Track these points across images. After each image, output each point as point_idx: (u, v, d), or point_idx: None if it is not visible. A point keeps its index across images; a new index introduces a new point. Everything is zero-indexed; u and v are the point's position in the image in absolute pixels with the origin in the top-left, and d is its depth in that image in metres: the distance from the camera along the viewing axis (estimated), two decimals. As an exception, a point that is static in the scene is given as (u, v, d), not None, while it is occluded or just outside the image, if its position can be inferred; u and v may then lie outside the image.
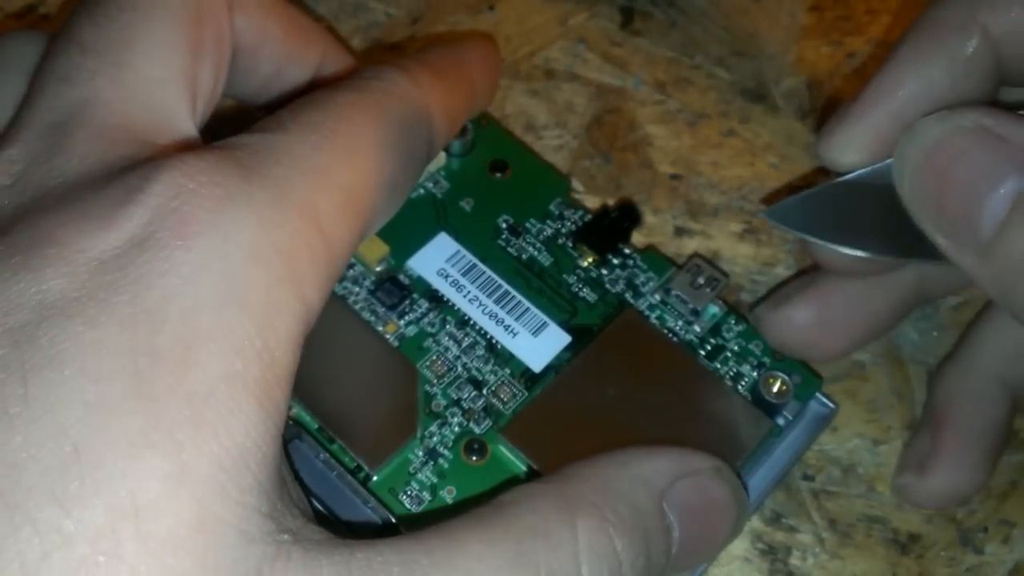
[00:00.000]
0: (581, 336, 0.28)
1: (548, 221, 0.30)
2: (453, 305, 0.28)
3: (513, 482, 0.25)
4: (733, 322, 0.28)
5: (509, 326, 0.27)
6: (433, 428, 0.26)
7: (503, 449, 0.26)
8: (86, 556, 0.16)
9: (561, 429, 0.26)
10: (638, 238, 0.31)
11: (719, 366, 0.27)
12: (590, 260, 0.29)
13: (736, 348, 0.28)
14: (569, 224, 0.30)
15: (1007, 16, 0.23)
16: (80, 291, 0.17)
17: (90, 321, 0.17)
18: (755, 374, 0.27)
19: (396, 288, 0.28)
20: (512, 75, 0.35)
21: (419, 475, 0.25)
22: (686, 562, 0.22)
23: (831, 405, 0.28)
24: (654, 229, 0.32)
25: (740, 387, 0.27)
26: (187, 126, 0.21)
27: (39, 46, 0.22)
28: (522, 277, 0.28)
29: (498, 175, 0.30)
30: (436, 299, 0.28)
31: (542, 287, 0.28)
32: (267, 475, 0.18)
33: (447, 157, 0.30)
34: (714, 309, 0.28)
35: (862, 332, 0.28)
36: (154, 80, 0.21)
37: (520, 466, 0.25)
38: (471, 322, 0.27)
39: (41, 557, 0.16)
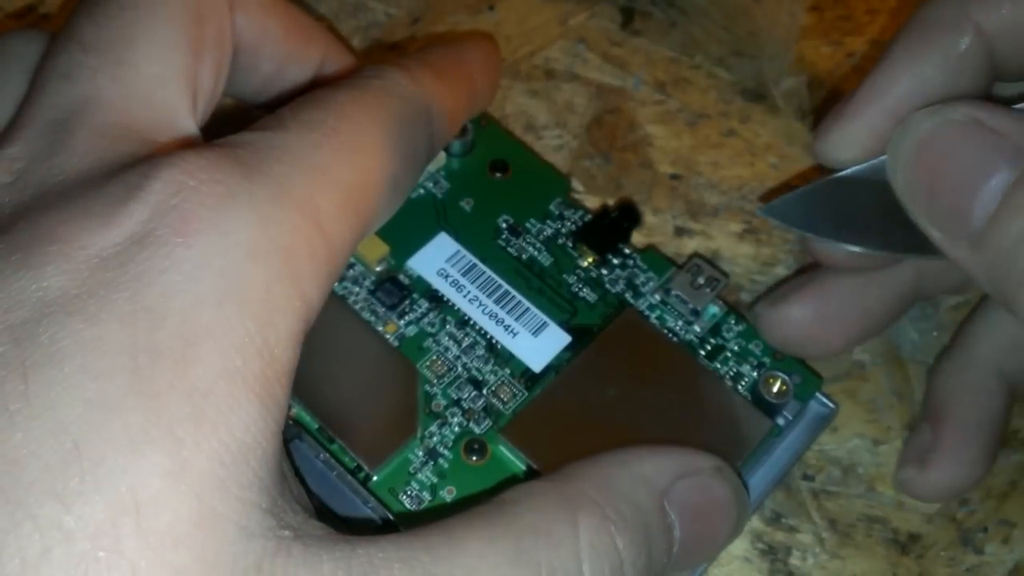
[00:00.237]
0: (581, 336, 0.28)
1: (548, 221, 0.30)
2: (453, 305, 0.28)
3: (513, 482, 0.25)
4: (733, 322, 0.28)
5: (509, 326, 0.27)
6: (433, 428, 0.26)
7: (503, 449, 0.26)
8: (86, 552, 0.16)
9: (561, 429, 0.26)
10: (638, 238, 0.31)
11: (719, 366, 0.27)
12: (590, 260, 0.29)
13: (736, 348, 0.28)
14: (569, 224, 0.30)
15: (999, 12, 0.23)
16: (81, 288, 0.17)
17: (90, 318, 0.17)
18: (755, 374, 0.27)
19: (396, 288, 0.28)
20: (512, 75, 0.35)
21: (419, 475, 0.25)
22: (687, 561, 0.22)
23: (831, 405, 0.28)
24: (654, 229, 0.32)
25: (740, 387, 0.27)
26: (188, 124, 0.21)
27: (40, 45, 0.22)
28: (522, 277, 0.28)
29: (498, 175, 0.30)
30: (436, 299, 0.28)
31: (542, 287, 0.28)
32: (267, 471, 0.18)
33: (447, 157, 0.30)
34: (714, 309, 0.28)
35: (860, 329, 0.28)
36: (155, 78, 0.21)
37: (520, 466, 0.25)
38: (471, 322, 0.27)
39: (42, 553, 0.16)
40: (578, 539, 0.20)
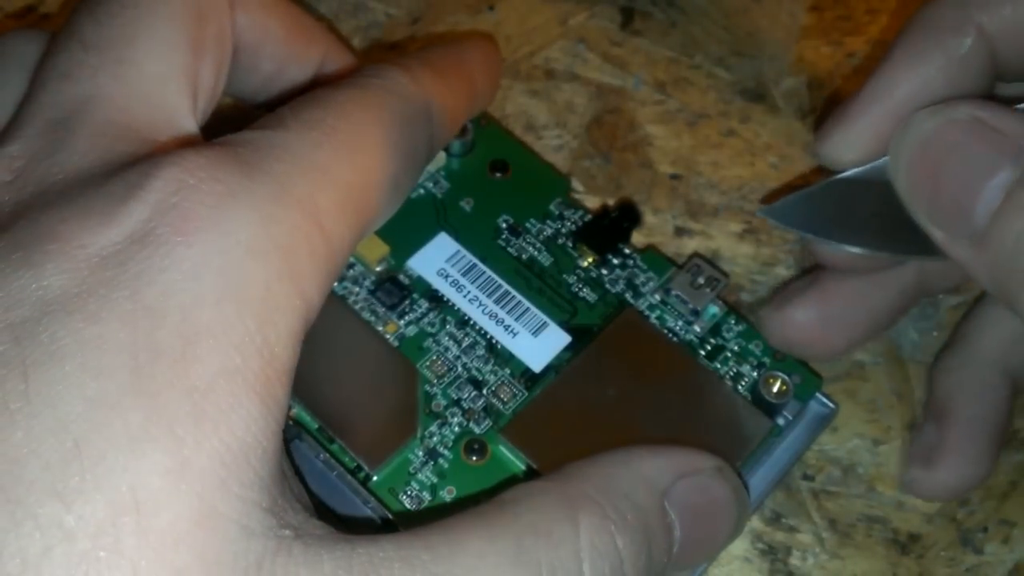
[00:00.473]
0: (581, 336, 0.28)
1: (548, 221, 0.30)
2: (453, 305, 0.28)
3: (513, 482, 0.25)
4: (733, 322, 0.28)
5: (509, 326, 0.27)
6: (433, 428, 0.26)
7: (503, 449, 0.26)
8: (87, 551, 0.16)
9: (561, 429, 0.26)
10: (638, 238, 0.31)
11: (719, 366, 0.27)
12: (590, 260, 0.29)
13: (736, 348, 0.28)
14: (569, 224, 0.30)
15: (1001, 14, 0.23)
16: (81, 287, 0.17)
17: (91, 317, 0.17)
18: (755, 374, 0.27)
19: (396, 288, 0.28)
20: (512, 75, 0.35)
21: (419, 475, 0.25)
22: (687, 561, 0.22)
23: (831, 405, 0.28)
24: (654, 229, 0.32)
25: (740, 387, 0.27)
26: (188, 123, 0.21)
27: (40, 45, 0.22)
28: (522, 277, 0.28)
29: (498, 175, 0.30)
30: (436, 299, 0.28)
31: (542, 287, 0.28)
32: (268, 470, 0.18)
33: (447, 157, 0.30)
34: (714, 309, 0.28)
35: (864, 329, 0.28)
36: (155, 77, 0.21)
37: (520, 466, 0.25)
38: (471, 322, 0.27)
39: (42, 552, 0.16)
40: (578, 538, 0.20)
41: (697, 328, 0.28)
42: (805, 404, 0.27)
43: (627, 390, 0.26)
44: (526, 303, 0.28)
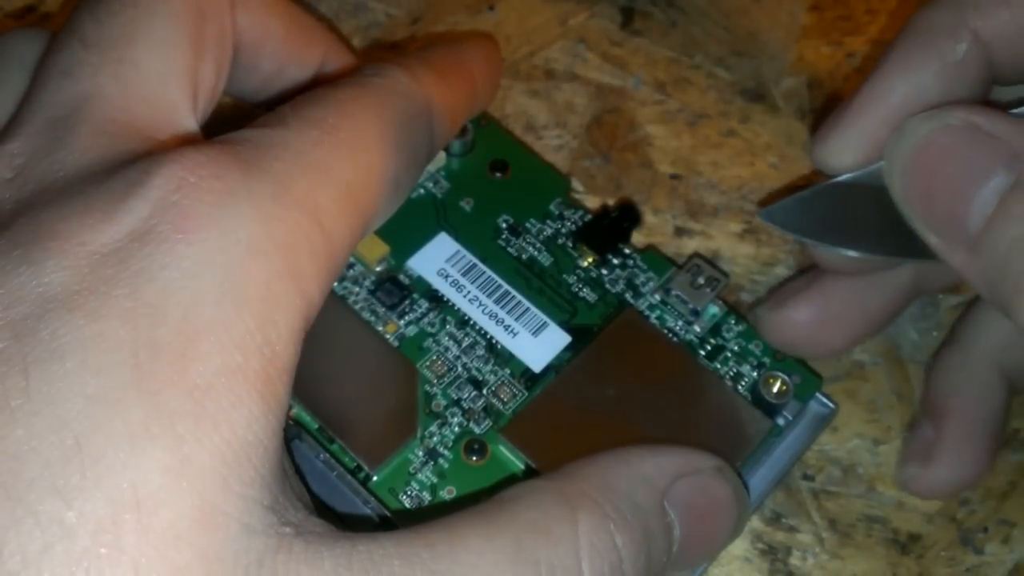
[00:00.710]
0: (581, 336, 0.28)
1: (548, 221, 0.30)
2: (453, 305, 0.28)
3: (513, 482, 0.25)
4: (733, 322, 0.28)
5: (509, 326, 0.27)
6: (433, 428, 0.26)
7: (503, 449, 0.26)
8: (88, 548, 0.16)
9: (561, 429, 0.26)
10: (638, 238, 0.31)
11: (719, 366, 0.27)
12: (590, 260, 0.29)
13: (736, 348, 0.28)
14: (569, 224, 0.30)
15: (996, 18, 0.23)
16: (81, 284, 0.17)
17: (91, 314, 0.17)
18: (755, 374, 0.27)
19: (396, 288, 0.28)
20: (512, 75, 0.35)
21: (419, 475, 0.25)
22: (687, 561, 0.22)
23: (831, 405, 0.28)
24: (654, 229, 0.32)
25: (740, 387, 0.27)
26: (188, 122, 0.21)
27: (41, 44, 0.22)
28: (522, 277, 0.28)
29: (498, 175, 0.30)
30: (436, 299, 0.28)
31: (542, 287, 0.28)
32: (268, 468, 0.18)
33: (447, 157, 0.30)
34: (714, 309, 0.28)
35: (861, 329, 0.28)
36: (156, 76, 0.21)
37: (519, 466, 0.25)
38: (471, 322, 0.27)
39: (43, 549, 0.16)
40: (577, 537, 0.20)
41: (697, 328, 0.28)
42: (805, 404, 0.27)
43: (627, 390, 0.26)
44: (526, 303, 0.28)
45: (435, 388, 0.26)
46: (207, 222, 0.18)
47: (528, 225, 0.29)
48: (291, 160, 0.20)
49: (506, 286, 0.28)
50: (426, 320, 0.27)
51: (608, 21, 0.36)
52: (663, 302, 0.28)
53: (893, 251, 0.24)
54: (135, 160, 0.19)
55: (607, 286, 0.29)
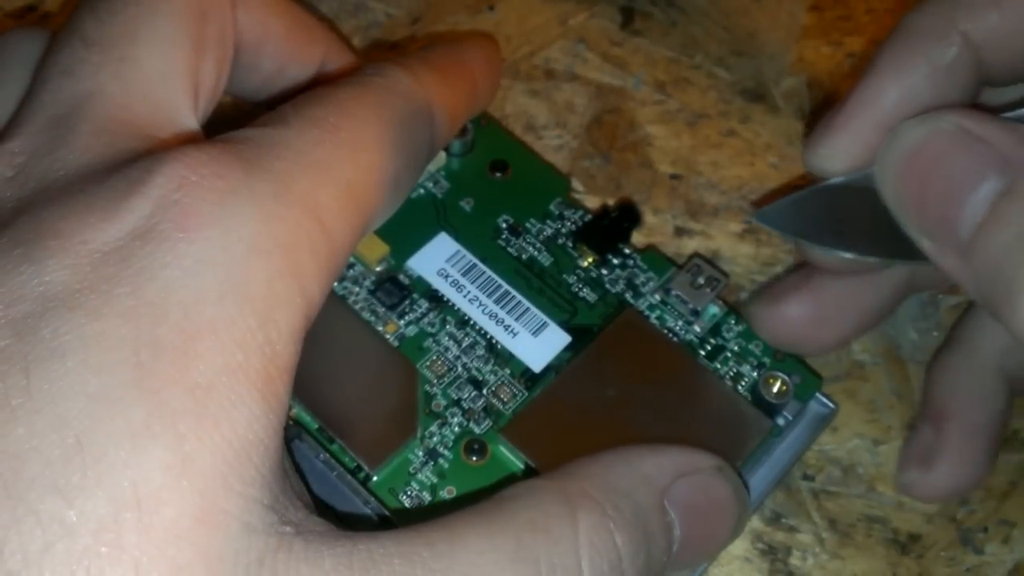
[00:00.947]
0: (581, 336, 0.28)
1: (548, 221, 0.30)
2: (453, 305, 0.28)
3: (513, 481, 0.25)
4: (733, 322, 0.28)
5: (509, 326, 0.27)
6: (433, 428, 0.26)
7: (503, 449, 0.26)
8: (88, 547, 0.16)
9: (561, 429, 0.26)
10: (638, 238, 0.31)
11: (719, 366, 0.27)
12: (590, 260, 0.29)
13: (736, 348, 0.28)
14: (569, 224, 0.30)
15: (985, 21, 0.23)
16: (82, 283, 0.17)
17: (92, 313, 0.17)
18: (755, 374, 0.27)
19: (396, 288, 0.28)
20: (512, 75, 0.35)
21: (419, 475, 0.25)
22: (687, 560, 0.22)
23: (831, 405, 0.28)
24: (654, 229, 0.32)
25: (740, 387, 0.27)
26: (189, 121, 0.21)
27: (41, 43, 0.22)
28: (522, 277, 0.28)
29: (498, 175, 0.30)
30: (436, 299, 0.28)
31: (542, 287, 0.28)
32: (269, 467, 0.18)
33: (447, 157, 0.30)
34: (714, 309, 0.28)
35: (854, 326, 0.28)
36: (157, 74, 0.21)
37: (519, 465, 0.25)
38: (471, 322, 0.27)
39: (44, 548, 0.16)
40: (577, 536, 0.20)
41: (697, 328, 0.28)
42: (805, 404, 0.27)
43: (627, 390, 0.26)
44: (526, 303, 0.28)
45: (435, 388, 0.26)
46: (208, 221, 0.18)
47: (528, 225, 0.29)
48: (292, 159, 0.20)
49: (506, 286, 0.28)
50: (426, 320, 0.27)
51: (608, 21, 0.36)
52: (663, 302, 0.28)
53: (887, 253, 0.24)
54: (136, 159, 0.19)
55: (607, 286, 0.29)
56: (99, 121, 0.20)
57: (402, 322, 0.27)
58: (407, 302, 0.28)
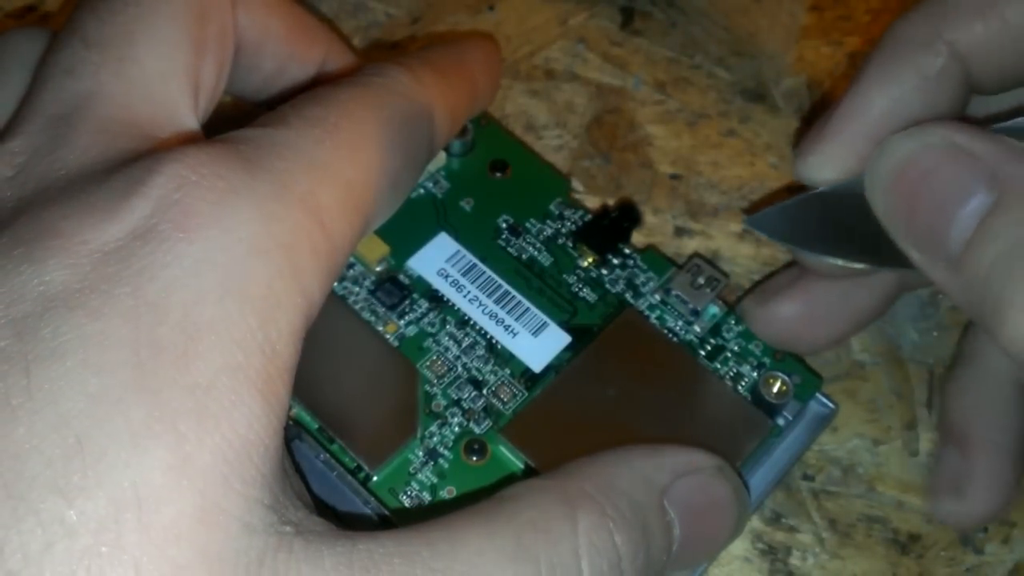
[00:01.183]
0: (581, 336, 0.28)
1: (548, 221, 0.30)
2: (453, 305, 0.28)
3: (513, 481, 0.25)
4: (733, 322, 0.28)
5: (509, 326, 0.27)
6: (433, 428, 0.26)
7: (503, 449, 0.26)
8: (89, 547, 0.16)
9: (561, 429, 0.26)
10: (638, 238, 0.31)
11: (719, 366, 0.27)
12: (590, 260, 0.29)
13: (736, 348, 0.28)
14: (569, 224, 0.30)
15: (972, 30, 0.23)
16: (83, 283, 0.17)
17: (92, 313, 0.17)
18: (755, 374, 0.27)
19: (396, 288, 0.28)
20: (512, 75, 0.35)
21: (419, 475, 0.25)
22: (687, 560, 0.22)
23: (831, 405, 0.28)
24: (654, 229, 0.32)
25: (740, 387, 0.27)
26: (189, 121, 0.21)
27: (42, 43, 0.22)
28: (522, 277, 0.28)
29: (498, 175, 0.30)
30: (436, 299, 0.28)
31: (542, 287, 0.28)
32: (269, 467, 0.18)
33: (447, 157, 0.30)
34: (714, 309, 0.28)
35: (846, 326, 0.28)
36: (157, 74, 0.21)
37: (519, 466, 0.25)
38: (471, 322, 0.27)
39: (44, 548, 0.16)
40: (577, 536, 0.20)
41: (697, 328, 0.28)
42: (805, 404, 0.27)
43: (627, 390, 0.26)
44: (526, 303, 0.28)
45: (435, 388, 0.26)
46: (209, 221, 0.18)
47: (528, 225, 0.29)
48: (292, 159, 0.20)
49: (506, 286, 0.28)
50: (426, 320, 0.27)
51: (608, 21, 0.36)
52: (663, 302, 0.28)
53: (877, 260, 0.24)
54: (136, 158, 0.19)
55: (607, 286, 0.29)
56: (99, 121, 0.20)
57: (402, 322, 0.27)
58: (407, 302, 0.28)
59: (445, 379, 0.27)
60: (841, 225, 0.24)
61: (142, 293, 0.17)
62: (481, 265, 0.28)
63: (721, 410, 0.26)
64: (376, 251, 0.28)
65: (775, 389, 0.27)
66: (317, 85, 0.23)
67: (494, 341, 0.27)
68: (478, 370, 0.27)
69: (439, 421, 0.26)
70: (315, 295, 0.20)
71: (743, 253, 0.32)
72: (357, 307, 0.27)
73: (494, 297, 0.28)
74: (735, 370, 0.27)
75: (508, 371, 0.27)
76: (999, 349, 0.20)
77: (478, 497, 0.24)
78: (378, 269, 0.28)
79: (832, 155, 0.24)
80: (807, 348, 0.28)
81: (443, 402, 0.26)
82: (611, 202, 0.32)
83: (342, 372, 0.26)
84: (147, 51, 0.21)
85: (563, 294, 0.28)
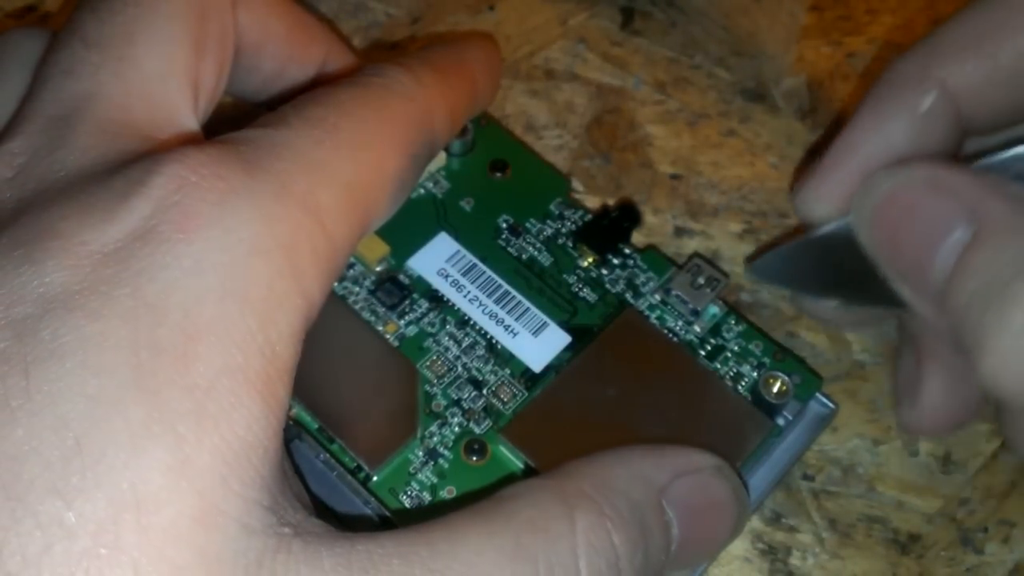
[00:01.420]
0: (581, 336, 0.28)
1: (548, 221, 0.30)
2: (453, 305, 0.28)
3: (512, 481, 0.25)
4: (733, 322, 0.28)
5: (509, 326, 0.27)
6: (433, 428, 0.26)
7: (503, 449, 0.26)
8: (88, 548, 0.16)
9: (561, 429, 0.26)
10: (638, 238, 0.31)
11: (719, 366, 0.27)
12: (590, 260, 0.29)
13: (736, 348, 0.28)
14: (569, 224, 0.30)
15: (963, 69, 0.23)
16: (82, 284, 0.17)
17: (92, 314, 0.17)
18: (755, 374, 0.27)
19: (396, 288, 0.28)
20: (512, 75, 0.35)
21: (419, 475, 0.25)
22: (686, 560, 0.22)
23: (831, 405, 0.28)
24: (654, 229, 0.32)
25: (740, 387, 0.27)
26: (189, 121, 0.21)
27: (41, 43, 0.22)
28: (522, 277, 0.28)
29: (498, 175, 0.30)
30: (436, 299, 0.28)
31: (542, 287, 0.28)
32: (268, 469, 0.18)
33: (447, 157, 0.30)
34: (714, 309, 0.28)
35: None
36: (157, 75, 0.21)
37: (519, 466, 0.25)
38: (471, 322, 0.27)
39: (43, 549, 0.16)
40: (575, 535, 0.20)
41: (697, 328, 0.28)
42: (805, 404, 0.27)
43: (627, 390, 0.26)
44: (526, 303, 0.28)
45: (435, 388, 0.26)
46: (208, 222, 0.18)
47: (528, 225, 0.29)
48: (292, 159, 0.20)
49: (506, 286, 0.28)
50: (426, 320, 0.27)
51: (608, 21, 0.36)
52: (663, 302, 0.28)
53: (878, 302, 0.24)
54: (136, 159, 0.19)
55: (607, 286, 0.29)
56: (99, 121, 0.20)
57: (402, 322, 0.27)
58: (407, 302, 0.28)
59: (445, 379, 0.27)
60: (841, 268, 0.25)
61: (141, 294, 0.17)
62: (481, 265, 0.28)
63: (721, 410, 0.26)
64: (376, 251, 0.28)
65: (775, 389, 0.27)
66: (317, 86, 0.23)
67: (494, 341, 0.27)
68: (478, 370, 0.27)
69: (439, 421, 0.26)
70: (315, 296, 0.20)
71: (743, 253, 0.32)
72: (357, 307, 0.27)
73: (494, 297, 0.28)
74: (735, 370, 0.27)
75: (508, 371, 0.27)
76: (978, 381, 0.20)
77: (478, 497, 0.24)
78: (378, 269, 0.28)
79: (826, 191, 0.24)
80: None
81: (443, 402, 0.26)
82: (611, 202, 0.32)
83: (342, 372, 0.26)
84: (147, 51, 0.21)
85: (563, 294, 0.28)
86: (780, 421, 0.27)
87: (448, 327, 0.27)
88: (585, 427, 0.26)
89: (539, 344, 0.27)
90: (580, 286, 0.28)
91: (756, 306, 0.31)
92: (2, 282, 0.17)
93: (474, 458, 0.25)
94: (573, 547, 0.20)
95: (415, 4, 0.36)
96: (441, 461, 0.25)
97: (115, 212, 0.18)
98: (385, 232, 0.27)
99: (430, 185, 0.30)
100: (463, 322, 0.27)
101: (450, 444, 0.26)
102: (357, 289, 0.28)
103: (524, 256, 0.29)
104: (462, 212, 0.29)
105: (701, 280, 0.28)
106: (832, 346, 0.30)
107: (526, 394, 0.27)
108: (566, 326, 0.28)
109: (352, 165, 0.21)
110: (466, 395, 0.26)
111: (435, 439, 0.26)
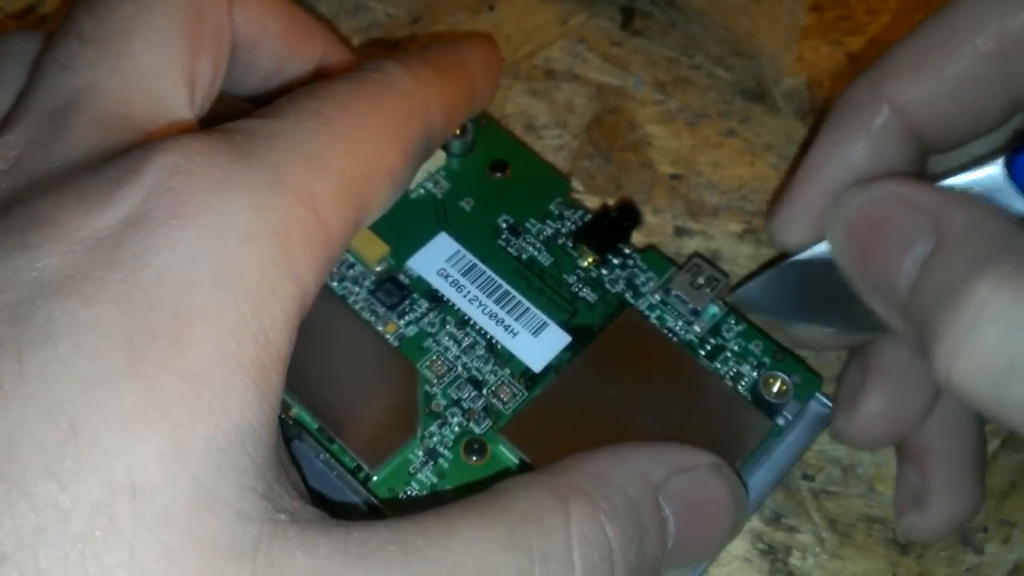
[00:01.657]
0: (581, 336, 0.28)
1: (548, 221, 0.30)
2: (453, 305, 0.28)
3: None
4: (733, 322, 0.28)
5: (509, 326, 0.27)
6: (433, 428, 0.26)
7: (503, 449, 0.26)
8: (82, 531, 0.16)
9: (561, 429, 0.26)
10: (638, 238, 0.31)
11: (719, 366, 0.27)
12: (590, 260, 0.29)
13: (736, 348, 0.28)
14: (569, 224, 0.30)
15: (910, 87, 0.24)
16: (76, 269, 0.17)
17: (86, 298, 0.17)
18: (755, 374, 0.27)
19: (396, 288, 0.28)
20: (512, 75, 0.35)
21: (419, 475, 0.25)
22: (684, 558, 0.22)
23: (831, 405, 0.28)
24: (654, 229, 0.32)
25: (740, 387, 0.27)
26: (185, 115, 0.21)
27: (39, 44, 0.22)
28: (522, 277, 0.28)
29: (498, 175, 0.30)
30: (436, 299, 0.28)
31: (542, 287, 0.28)
32: (263, 457, 0.18)
33: (447, 157, 0.30)
34: (714, 309, 0.28)
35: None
36: (153, 70, 0.21)
37: (518, 465, 0.25)
38: (471, 322, 0.27)
39: (37, 531, 0.16)
40: (569, 527, 0.20)
41: (697, 328, 0.28)
42: (805, 404, 0.27)
43: (627, 390, 0.26)
44: (526, 303, 0.28)
45: (435, 388, 0.26)
46: (202, 208, 0.18)
47: (528, 225, 0.29)
48: (287, 149, 0.20)
49: (506, 286, 0.28)
50: (426, 320, 0.27)
51: (608, 21, 0.36)
52: (663, 302, 0.28)
53: (861, 324, 0.24)
54: (131, 148, 0.19)
55: (607, 286, 0.29)
56: (94, 114, 0.20)
57: (402, 322, 0.27)
58: (407, 302, 0.28)
59: (445, 379, 0.27)
60: (821, 292, 0.25)
61: (135, 279, 0.17)
62: (481, 265, 0.28)
63: (721, 410, 0.26)
64: (376, 251, 0.28)
65: (775, 389, 0.27)
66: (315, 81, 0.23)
67: (494, 341, 0.27)
68: (478, 370, 0.27)
69: (439, 421, 0.26)
70: (309, 284, 0.20)
71: (743, 253, 0.32)
72: (357, 307, 0.27)
73: (494, 297, 0.28)
74: (735, 370, 0.27)
75: (508, 371, 0.27)
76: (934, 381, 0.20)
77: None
78: (378, 269, 0.28)
79: (795, 217, 0.25)
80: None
81: (443, 402, 0.26)
82: (611, 202, 0.32)
83: (342, 372, 0.26)
84: (143, 47, 0.21)
85: (563, 294, 0.28)
86: (780, 421, 0.27)
87: (448, 327, 0.27)
88: (585, 427, 0.26)
89: (539, 344, 0.27)
90: (580, 286, 0.28)
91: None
92: None
93: (474, 458, 0.25)
94: (567, 538, 0.20)
95: (415, 4, 0.36)
96: (441, 461, 0.25)
97: (109, 198, 0.18)
98: (385, 232, 0.27)
99: (430, 185, 0.30)
100: (463, 322, 0.27)
101: (450, 444, 0.26)
102: (357, 289, 0.28)
103: (524, 256, 0.29)
104: (462, 212, 0.29)
105: (701, 280, 0.28)
106: (832, 346, 0.30)
107: (526, 394, 0.27)
108: (566, 326, 0.28)
109: (347, 157, 0.21)
110: (466, 395, 0.26)
111: (435, 439, 0.26)
